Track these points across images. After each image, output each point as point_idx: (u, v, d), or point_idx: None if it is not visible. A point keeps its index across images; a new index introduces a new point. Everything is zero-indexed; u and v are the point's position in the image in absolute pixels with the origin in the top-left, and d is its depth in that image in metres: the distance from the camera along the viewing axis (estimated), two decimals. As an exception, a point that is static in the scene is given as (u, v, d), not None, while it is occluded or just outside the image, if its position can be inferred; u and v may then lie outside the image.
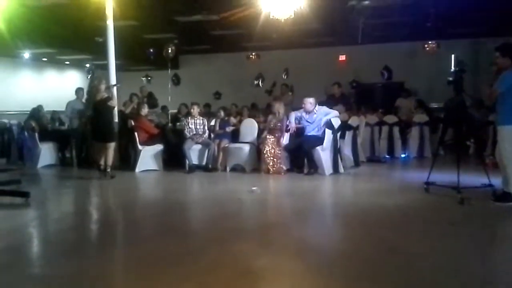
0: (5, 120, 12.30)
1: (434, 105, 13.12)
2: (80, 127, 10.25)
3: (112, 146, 8.54)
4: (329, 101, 9.42)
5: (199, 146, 9.23)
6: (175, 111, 12.18)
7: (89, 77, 14.45)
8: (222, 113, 9.96)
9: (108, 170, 8.40)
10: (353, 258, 3.87)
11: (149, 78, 15.87)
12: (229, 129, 9.55)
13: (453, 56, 6.23)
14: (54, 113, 12.25)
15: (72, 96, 11.28)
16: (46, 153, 10.48)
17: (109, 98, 8.60)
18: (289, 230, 4.90)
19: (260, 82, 15.16)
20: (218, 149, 9.21)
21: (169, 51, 11.70)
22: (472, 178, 6.26)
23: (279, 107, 9.07)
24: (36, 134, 10.37)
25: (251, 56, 15.80)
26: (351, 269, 3.61)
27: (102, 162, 8.45)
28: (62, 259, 4.02)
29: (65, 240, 4.71)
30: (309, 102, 8.65)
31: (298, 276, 3.53)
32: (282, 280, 3.52)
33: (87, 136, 9.71)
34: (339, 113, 8.98)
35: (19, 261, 4.00)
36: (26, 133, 10.78)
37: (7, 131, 11.89)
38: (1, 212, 6.08)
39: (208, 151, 9.13)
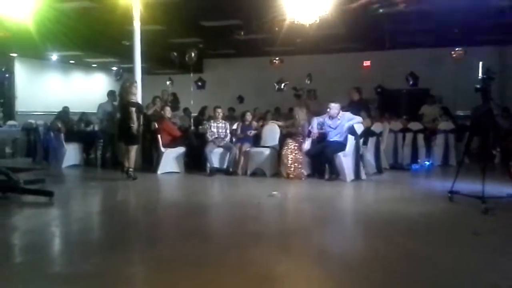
0: (32, 121, 12.57)
1: (460, 113, 12.92)
2: (109, 129, 10.39)
3: (134, 148, 8.67)
4: (350, 106, 9.31)
5: (220, 150, 9.27)
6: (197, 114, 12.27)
7: (117, 79, 14.72)
8: (249, 115, 9.95)
9: (131, 171, 8.50)
10: (374, 265, 3.82)
11: (172, 81, 16.02)
12: (251, 133, 9.56)
13: (481, 63, 6.11)
14: (83, 114, 12.46)
15: (99, 98, 11.49)
16: (71, 154, 10.66)
17: (136, 103, 8.64)
18: (310, 236, 4.87)
19: (282, 86, 15.13)
20: (239, 153, 9.23)
21: (192, 55, 11.78)
22: (497, 188, 6.14)
23: (299, 112, 9.06)
24: (62, 135, 10.57)
25: (274, 60, 15.81)
26: (372, 277, 3.56)
27: (126, 164, 8.60)
28: (84, 258, 4.07)
29: (87, 240, 4.78)
30: (334, 107, 8.61)
31: (318, 283, 3.51)
32: (301, 286, 3.50)
33: (115, 137, 9.84)
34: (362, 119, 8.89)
35: (42, 259, 4.06)
36: (52, 134, 10.99)
37: (33, 132, 12.14)
38: (25, 211, 6.20)
39: (230, 155, 9.15)
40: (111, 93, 10.95)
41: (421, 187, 8.14)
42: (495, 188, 6.08)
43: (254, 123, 10.02)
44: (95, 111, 11.12)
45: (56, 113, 11.75)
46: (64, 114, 11.75)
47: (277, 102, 14.39)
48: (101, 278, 3.56)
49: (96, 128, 11.37)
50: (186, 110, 12.62)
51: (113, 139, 10.28)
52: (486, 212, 5.47)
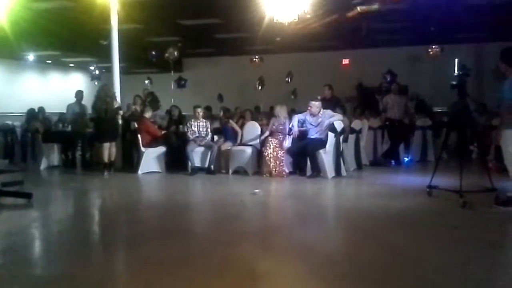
0: (9, 122, 12.34)
1: (437, 109, 13.11)
2: (79, 129, 10.32)
3: (114, 144, 9.39)
4: (323, 104, 9.26)
5: (201, 149, 9.24)
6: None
7: (96, 82, 14.67)
8: (221, 113, 10.22)
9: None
10: (355, 261, 3.86)
11: (150, 80, 15.87)
12: (237, 140, 9.57)
13: (456, 60, 6.21)
14: (61, 115, 12.29)
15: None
16: (49, 155, 10.53)
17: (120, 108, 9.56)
18: (292, 233, 4.90)
19: (259, 86, 15.11)
20: (220, 152, 9.24)
21: (175, 54, 11.69)
22: (475, 182, 6.24)
23: (280, 110, 9.09)
24: (40, 136, 10.42)
25: (254, 59, 15.82)
26: (353, 272, 3.60)
27: (106, 160, 9.09)
28: (64, 260, 4.04)
29: (67, 241, 4.73)
30: (315, 105, 8.65)
31: (300, 279, 3.53)
32: (285, 283, 3.52)
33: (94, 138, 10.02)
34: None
35: (22, 262, 4.00)
36: (29, 135, 10.82)
37: (10, 133, 11.93)
38: (4, 213, 6.11)
39: (211, 154, 9.13)
40: (78, 93, 10.84)
41: (400, 183, 8.23)
42: (473, 183, 6.18)
43: (232, 122, 10.01)
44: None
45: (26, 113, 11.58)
46: (36, 114, 11.53)
47: (258, 101, 14.39)
48: (81, 279, 3.53)
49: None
50: (168, 111, 12.51)
51: (83, 139, 10.29)
52: (464, 206, 5.57)
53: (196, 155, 9.21)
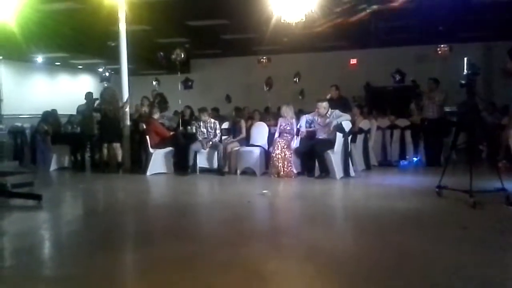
0: (19, 124, 12.43)
1: (446, 109, 13.03)
2: (87, 131, 10.40)
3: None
4: (330, 104, 9.20)
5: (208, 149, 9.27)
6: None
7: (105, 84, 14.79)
8: (234, 112, 10.31)
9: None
10: (363, 262, 3.85)
11: (158, 82, 15.89)
12: (241, 135, 9.66)
13: (465, 59, 6.16)
14: (71, 116, 12.37)
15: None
16: (59, 156, 10.59)
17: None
18: (300, 234, 4.89)
19: (266, 87, 15.06)
20: (226, 152, 9.25)
21: (182, 55, 11.68)
22: (485, 182, 6.19)
23: (286, 110, 9.08)
24: (49, 138, 10.49)
25: (262, 60, 15.80)
26: (361, 273, 3.59)
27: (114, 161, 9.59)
28: (73, 261, 4.06)
29: (77, 242, 4.76)
30: (323, 106, 8.62)
31: (308, 280, 3.52)
32: (292, 283, 3.51)
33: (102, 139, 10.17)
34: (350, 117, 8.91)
35: (31, 262, 4.03)
36: (39, 137, 10.89)
37: (20, 135, 12.02)
38: (14, 214, 6.16)
39: (218, 153, 9.13)
40: (88, 95, 10.88)
41: (409, 183, 8.19)
42: (483, 183, 6.12)
43: (243, 122, 10.02)
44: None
45: (41, 115, 11.63)
46: (51, 116, 11.62)
47: (266, 102, 14.39)
48: (91, 279, 3.54)
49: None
50: (175, 112, 12.54)
51: (92, 141, 10.36)
52: (474, 206, 5.53)
53: (203, 156, 9.24)
